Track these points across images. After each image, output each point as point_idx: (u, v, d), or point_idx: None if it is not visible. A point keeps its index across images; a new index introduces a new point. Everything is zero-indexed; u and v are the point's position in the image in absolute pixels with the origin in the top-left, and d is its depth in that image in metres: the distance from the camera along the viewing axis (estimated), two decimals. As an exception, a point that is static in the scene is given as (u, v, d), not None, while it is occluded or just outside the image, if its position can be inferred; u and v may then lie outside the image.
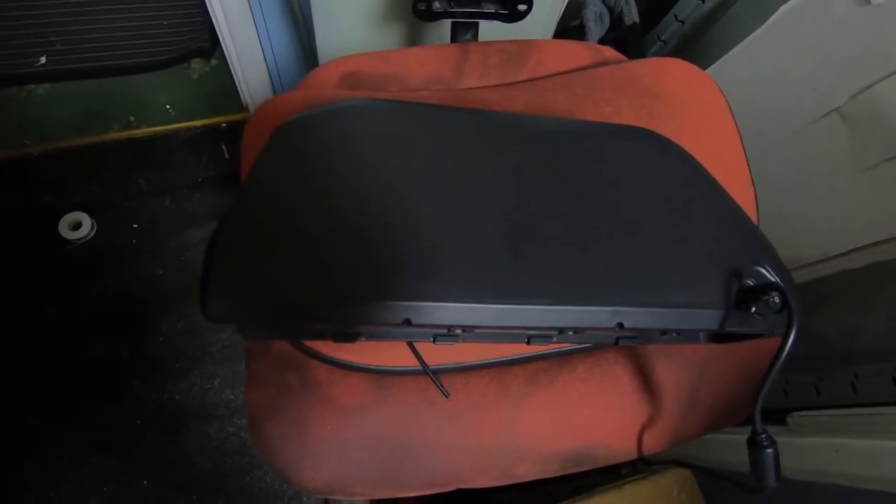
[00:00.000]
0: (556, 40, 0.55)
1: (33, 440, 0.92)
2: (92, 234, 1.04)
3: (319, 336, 0.36)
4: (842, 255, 0.62)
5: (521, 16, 0.57)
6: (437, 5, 0.55)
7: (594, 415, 0.42)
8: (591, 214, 0.34)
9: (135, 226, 1.07)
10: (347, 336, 0.35)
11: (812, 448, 0.63)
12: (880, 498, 0.54)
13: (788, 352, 0.31)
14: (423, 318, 0.29)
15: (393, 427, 0.39)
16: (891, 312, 0.59)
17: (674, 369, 0.43)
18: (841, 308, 0.65)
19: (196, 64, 1.22)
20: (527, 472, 0.42)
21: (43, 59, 1.15)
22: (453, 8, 0.56)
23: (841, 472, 0.58)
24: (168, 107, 1.17)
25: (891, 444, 0.53)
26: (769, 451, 0.34)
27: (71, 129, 1.10)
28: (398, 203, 0.31)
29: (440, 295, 0.29)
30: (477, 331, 0.34)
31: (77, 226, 1.03)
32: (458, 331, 0.33)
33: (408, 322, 0.29)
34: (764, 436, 0.34)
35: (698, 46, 0.87)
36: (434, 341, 0.37)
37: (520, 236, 0.32)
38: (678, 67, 0.49)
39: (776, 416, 0.69)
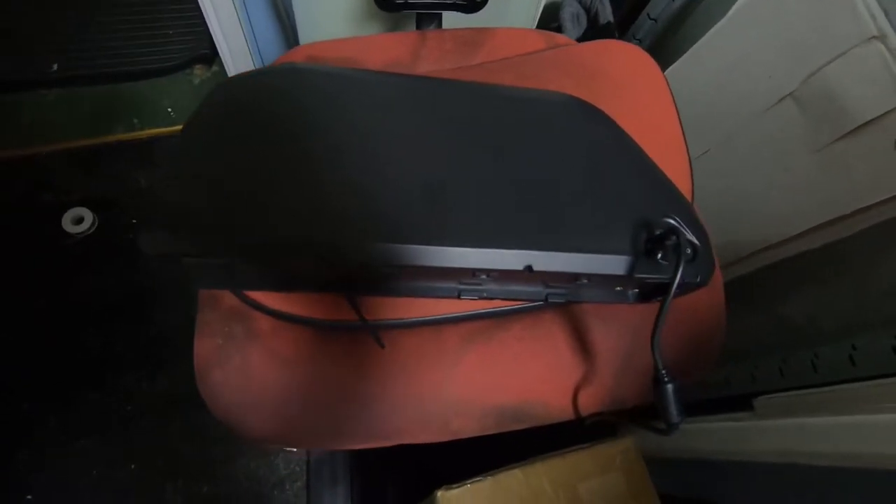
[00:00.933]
0: (510, 28, 0.58)
1: (27, 425, 0.95)
2: (93, 228, 1.09)
3: (258, 285, 0.38)
4: (800, 235, 0.62)
5: (478, 6, 0.60)
6: (398, -3, 0.59)
7: (529, 372, 0.44)
8: (510, 169, 0.36)
9: (133, 221, 1.12)
10: (282, 285, 0.37)
11: (776, 429, 0.63)
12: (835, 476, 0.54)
13: (678, 288, 0.33)
14: (336, 257, 0.31)
15: (332, 378, 0.41)
16: (846, 291, 0.60)
17: (608, 332, 0.45)
18: (803, 290, 0.66)
19: (198, 70, 1.29)
20: (464, 426, 0.43)
21: (55, 66, 1.22)
22: (413, -1, 0.59)
23: (801, 450, 0.58)
24: (170, 110, 1.23)
25: (844, 420, 0.53)
26: (669, 386, 0.35)
27: (78, 130, 1.17)
28: (321, 153, 0.34)
29: (356, 235, 0.32)
30: (400, 282, 0.36)
31: (79, 220, 1.08)
32: (377, 274, 0.35)
33: (322, 259, 0.31)
34: (664, 372, 0.35)
35: (671, 43, 0.90)
36: (367, 293, 0.39)
37: (437, 187, 0.35)
38: (619, 48, 0.52)
39: (744, 401, 0.69)
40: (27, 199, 1.10)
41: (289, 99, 0.35)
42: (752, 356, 0.72)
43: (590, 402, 0.45)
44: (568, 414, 0.45)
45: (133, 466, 0.95)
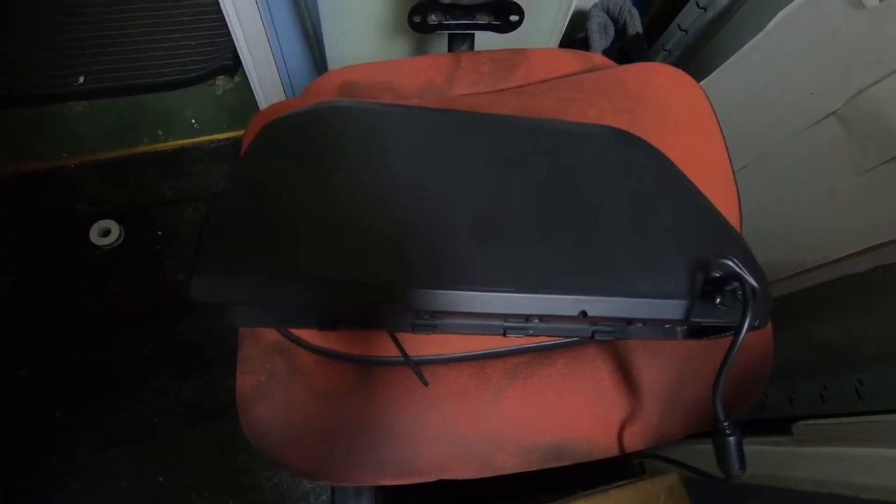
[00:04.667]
0: (546, 49, 0.57)
1: (58, 432, 0.97)
2: (120, 240, 1.11)
3: (302, 323, 0.38)
4: (843, 258, 0.61)
5: (513, 27, 0.59)
6: (432, 18, 0.58)
7: (573, 408, 0.43)
8: (559, 208, 0.36)
9: (159, 233, 1.13)
10: (327, 323, 0.37)
11: (816, 457, 0.62)
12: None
13: (745, 338, 0.32)
14: (387, 301, 0.31)
15: (373, 413, 0.41)
16: (894, 316, 0.58)
17: (654, 367, 0.44)
18: (845, 314, 0.64)
19: (220, 81, 1.29)
20: (506, 463, 0.43)
21: (81, 79, 1.23)
22: (448, 20, 0.58)
23: (843, 481, 0.57)
24: (194, 121, 1.24)
25: (892, 452, 0.52)
26: (731, 438, 0.34)
27: (104, 142, 1.18)
28: (370, 194, 0.33)
29: (407, 281, 0.31)
30: (446, 319, 0.36)
31: (106, 233, 1.09)
32: (427, 316, 0.35)
33: (375, 304, 0.31)
34: (726, 424, 0.34)
35: (701, 55, 0.88)
36: (413, 331, 0.39)
37: (487, 228, 0.34)
38: (662, 71, 0.50)
39: (782, 425, 0.68)
40: (56, 210, 1.11)
41: (337, 141, 0.35)
42: (788, 379, 0.71)
43: (635, 440, 0.44)
44: (612, 451, 0.44)
45: (160, 478, 0.96)
